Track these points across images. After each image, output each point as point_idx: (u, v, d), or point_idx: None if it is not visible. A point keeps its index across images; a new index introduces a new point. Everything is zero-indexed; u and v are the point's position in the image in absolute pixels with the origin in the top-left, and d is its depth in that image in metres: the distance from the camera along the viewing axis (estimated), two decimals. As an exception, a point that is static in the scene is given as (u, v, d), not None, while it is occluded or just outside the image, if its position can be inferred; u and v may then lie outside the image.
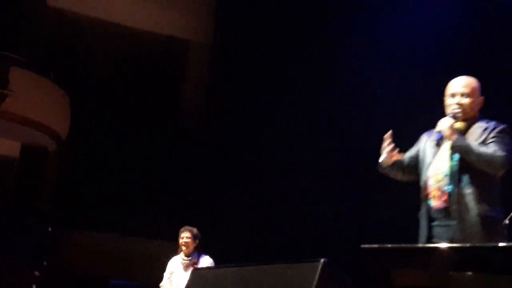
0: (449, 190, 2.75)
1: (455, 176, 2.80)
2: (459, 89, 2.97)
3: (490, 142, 2.81)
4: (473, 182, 2.75)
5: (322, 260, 2.28)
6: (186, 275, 4.52)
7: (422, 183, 2.88)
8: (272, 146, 7.00)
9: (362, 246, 2.20)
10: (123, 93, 7.17)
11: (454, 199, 2.75)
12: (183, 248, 5.30)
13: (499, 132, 2.86)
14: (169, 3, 7.49)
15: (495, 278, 2.04)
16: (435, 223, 2.78)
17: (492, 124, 2.93)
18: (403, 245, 2.03)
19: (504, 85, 6.06)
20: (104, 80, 7.14)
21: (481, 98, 3.02)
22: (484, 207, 2.70)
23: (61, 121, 6.39)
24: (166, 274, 5.26)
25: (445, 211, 2.74)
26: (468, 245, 2.07)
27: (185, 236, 5.29)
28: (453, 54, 6.27)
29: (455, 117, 2.83)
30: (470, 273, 2.03)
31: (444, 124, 2.80)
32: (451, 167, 2.83)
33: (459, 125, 2.90)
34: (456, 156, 2.85)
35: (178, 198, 6.99)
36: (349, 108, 6.66)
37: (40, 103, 6.15)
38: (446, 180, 2.81)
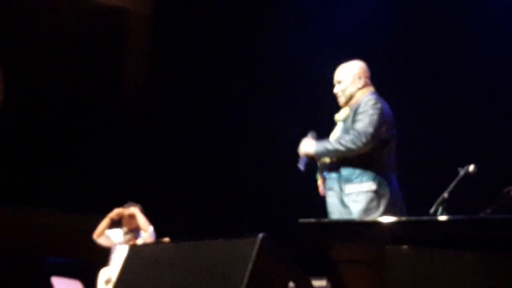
0: (325, 176, 3.07)
1: (332, 161, 3.09)
2: (335, 78, 3.18)
3: (356, 122, 3.02)
4: (350, 164, 2.96)
5: (260, 235, 2.24)
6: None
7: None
8: (217, 118, 6.93)
9: (299, 220, 2.20)
10: (59, 66, 6.85)
11: (329, 184, 3.04)
12: (126, 223, 5.30)
13: (364, 106, 3.00)
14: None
15: (430, 251, 2.03)
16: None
17: (364, 100, 3.07)
18: (340, 220, 2.04)
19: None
20: (38, 51, 6.79)
21: (363, 82, 3.14)
22: (366, 183, 2.90)
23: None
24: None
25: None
26: (404, 218, 2.11)
27: (128, 212, 5.28)
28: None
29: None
30: (405, 246, 2.01)
31: (303, 148, 3.04)
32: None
33: (342, 114, 3.11)
34: None
35: (117, 174, 6.86)
36: (288, 78, 6.69)
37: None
38: (328, 166, 3.06)
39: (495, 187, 3.49)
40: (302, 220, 2.14)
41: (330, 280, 2.41)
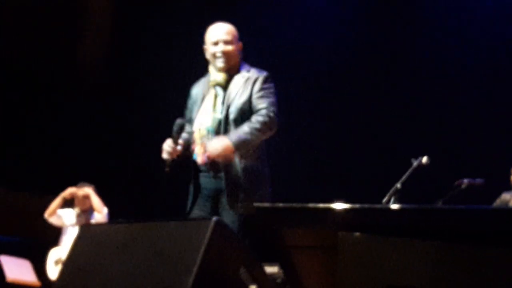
0: None
1: (218, 131, 2.83)
2: (222, 36, 2.84)
3: (258, 99, 2.81)
4: None
5: (214, 218, 2.20)
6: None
7: (186, 139, 2.87)
8: (177, 94, 6.80)
9: (254, 204, 2.18)
10: (12, 39, 6.54)
11: None
12: (79, 204, 5.22)
13: (263, 83, 2.88)
14: None
15: (381, 238, 2.03)
16: (202, 174, 2.85)
17: (253, 73, 2.94)
18: (294, 205, 2.02)
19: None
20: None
21: (240, 45, 2.99)
22: (247, 162, 2.77)
23: None
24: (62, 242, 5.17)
25: (210, 166, 2.80)
26: (357, 206, 2.11)
27: (80, 192, 5.20)
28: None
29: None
30: (358, 233, 2.01)
31: (215, 149, 2.70)
32: (213, 122, 2.84)
33: (222, 77, 2.88)
34: (219, 110, 2.86)
35: (70, 152, 6.65)
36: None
37: None
38: (210, 136, 2.81)
39: (447, 179, 3.60)
40: (256, 204, 2.12)
41: (282, 266, 2.39)
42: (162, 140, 2.93)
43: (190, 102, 3.01)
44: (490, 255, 1.93)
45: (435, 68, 6.14)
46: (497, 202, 4.13)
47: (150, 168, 6.72)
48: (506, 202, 4.11)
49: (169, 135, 2.84)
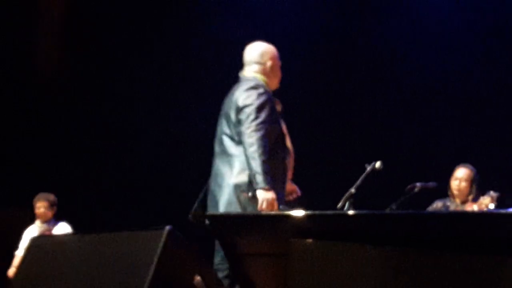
0: None
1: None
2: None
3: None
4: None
5: (167, 227, 2.19)
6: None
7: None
8: (138, 91, 6.77)
9: (207, 213, 2.18)
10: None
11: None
12: (39, 216, 5.16)
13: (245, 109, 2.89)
14: None
15: (334, 244, 2.04)
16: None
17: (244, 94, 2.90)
18: (246, 213, 2.03)
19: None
20: None
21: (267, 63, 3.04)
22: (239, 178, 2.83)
23: None
24: (22, 243, 5.06)
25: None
26: (309, 212, 2.12)
27: (41, 205, 5.16)
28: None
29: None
30: (310, 240, 2.01)
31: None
32: None
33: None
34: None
35: (32, 161, 6.53)
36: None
37: None
38: None
39: (400, 183, 3.68)
40: (209, 213, 2.13)
41: (234, 273, 2.36)
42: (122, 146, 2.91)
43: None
44: (441, 260, 1.96)
45: (387, 76, 6.39)
46: (430, 210, 4.25)
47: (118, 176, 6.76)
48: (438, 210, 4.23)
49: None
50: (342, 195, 3.06)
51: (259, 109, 2.72)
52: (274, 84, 2.98)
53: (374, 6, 6.56)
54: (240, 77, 2.94)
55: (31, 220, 5.12)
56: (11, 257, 5.23)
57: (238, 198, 2.63)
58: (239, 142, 2.72)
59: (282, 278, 2.06)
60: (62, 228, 5.10)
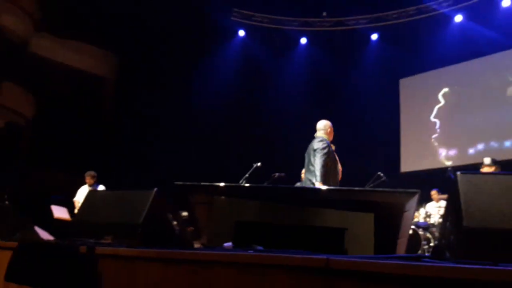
0: None
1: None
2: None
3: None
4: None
5: (154, 189, 3.24)
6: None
7: None
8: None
9: (175, 183, 3.51)
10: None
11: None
12: (87, 183, 8.50)
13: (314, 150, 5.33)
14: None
15: (234, 199, 3.39)
16: None
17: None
18: (194, 183, 3.71)
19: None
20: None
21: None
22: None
23: None
24: (78, 195, 8.41)
25: None
26: (223, 184, 3.58)
27: (89, 177, 8.44)
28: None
29: None
30: (223, 197, 3.41)
31: None
32: None
33: None
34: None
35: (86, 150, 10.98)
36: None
37: None
38: None
39: (269, 173, 5.81)
40: (177, 183, 3.59)
41: (189, 213, 3.62)
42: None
43: (331, 151, 5.16)
44: (285, 207, 3.30)
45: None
46: None
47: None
48: None
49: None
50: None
51: (322, 150, 5.07)
52: (331, 138, 5.30)
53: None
54: (315, 136, 5.27)
55: (82, 183, 8.32)
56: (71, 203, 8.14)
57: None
58: (313, 165, 5.03)
59: (210, 215, 3.45)
60: (101, 188, 8.31)
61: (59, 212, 8.24)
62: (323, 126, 5.27)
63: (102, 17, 10.53)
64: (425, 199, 8.91)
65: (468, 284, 1.32)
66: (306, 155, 5.12)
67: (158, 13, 10.47)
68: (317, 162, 4.87)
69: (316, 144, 5.02)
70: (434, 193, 9.31)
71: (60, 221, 8.05)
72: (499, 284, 1.27)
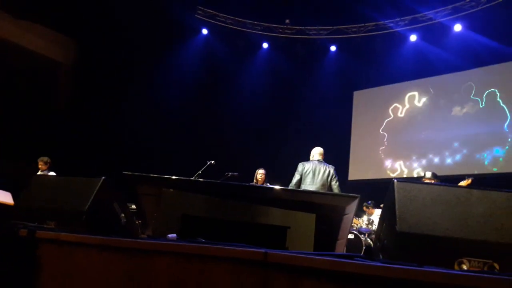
0: None
1: None
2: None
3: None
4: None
5: (102, 177, 3.21)
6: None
7: None
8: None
9: (123, 172, 3.48)
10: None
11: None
12: (40, 168, 8.37)
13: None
14: None
15: (182, 192, 3.38)
16: None
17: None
18: (143, 174, 3.68)
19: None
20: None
21: None
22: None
23: None
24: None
25: None
26: (173, 177, 3.70)
27: (41, 163, 8.26)
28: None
29: None
30: (171, 189, 3.36)
31: None
32: None
33: None
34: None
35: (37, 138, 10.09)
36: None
37: None
38: None
39: (222, 171, 5.85)
40: (124, 172, 3.70)
41: (136, 204, 3.59)
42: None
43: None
44: (232, 203, 3.33)
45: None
46: None
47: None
48: None
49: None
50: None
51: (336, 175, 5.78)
52: None
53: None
54: (320, 159, 6.01)
55: (33, 171, 7.93)
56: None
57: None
58: (330, 186, 5.77)
59: (159, 207, 3.44)
60: (51, 174, 8.10)
61: (3, 197, 7.87)
62: (321, 152, 6.36)
63: (65, 1, 10.25)
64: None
65: (393, 283, 1.37)
66: (316, 172, 5.92)
67: (124, 3, 10.29)
68: (337, 187, 6.03)
69: (333, 171, 6.12)
70: (366, 206, 9.56)
71: (3, 205, 7.74)
72: (420, 284, 1.33)
